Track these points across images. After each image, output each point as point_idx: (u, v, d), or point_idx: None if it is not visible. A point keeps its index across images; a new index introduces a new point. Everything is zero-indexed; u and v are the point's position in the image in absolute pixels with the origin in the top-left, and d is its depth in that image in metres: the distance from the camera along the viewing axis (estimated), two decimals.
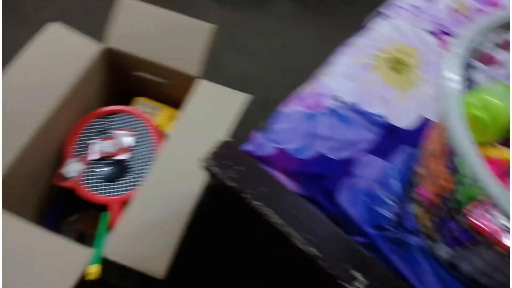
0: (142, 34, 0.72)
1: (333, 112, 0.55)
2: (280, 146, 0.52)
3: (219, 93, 0.69)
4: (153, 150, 0.71)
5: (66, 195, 0.69)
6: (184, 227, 0.55)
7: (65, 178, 0.68)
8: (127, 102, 0.81)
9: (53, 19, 1.16)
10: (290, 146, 0.52)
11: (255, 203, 0.45)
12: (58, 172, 0.68)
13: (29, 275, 0.51)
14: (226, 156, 0.48)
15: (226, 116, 0.65)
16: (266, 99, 1.10)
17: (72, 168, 0.69)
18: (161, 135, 0.73)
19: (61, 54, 0.69)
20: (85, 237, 0.78)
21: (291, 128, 0.54)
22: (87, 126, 0.73)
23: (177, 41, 0.71)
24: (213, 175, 0.49)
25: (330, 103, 0.56)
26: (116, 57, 0.73)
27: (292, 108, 0.56)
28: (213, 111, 0.66)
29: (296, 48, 1.21)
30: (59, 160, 0.71)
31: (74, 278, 0.50)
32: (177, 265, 0.54)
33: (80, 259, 0.52)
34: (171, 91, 0.78)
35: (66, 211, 0.76)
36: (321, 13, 1.29)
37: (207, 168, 0.49)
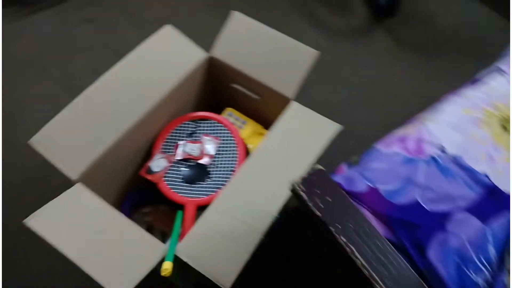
0: (247, 49, 0.75)
1: (434, 161, 0.53)
2: (373, 185, 0.51)
3: (311, 118, 0.69)
4: (234, 161, 0.74)
5: (145, 186, 0.73)
6: (257, 244, 0.56)
7: (150, 171, 0.72)
8: (216, 110, 0.85)
9: (160, 18, 1.26)
10: (385, 187, 0.51)
11: (339, 238, 0.45)
12: (146, 164, 0.73)
13: (105, 257, 0.54)
14: (316, 183, 0.48)
15: (315, 143, 0.66)
16: (348, 131, 1.10)
17: (158, 164, 0.73)
18: (245, 148, 0.75)
19: (169, 56, 0.74)
20: (153, 230, 0.82)
21: (388, 169, 0.53)
22: (179, 126, 0.78)
23: (279, 61, 0.73)
24: (299, 200, 0.49)
25: (432, 151, 0.54)
26: (217, 66, 0.77)
27: (392, 149, 0.56)
28: (302, 136, 0.67)
29: (388, 84, 1.19)
30: (148, 153, 0.76)
31: (146, 269, 0.53)
32: (239, 279, 0.55)
33: (154, 252, 0.55)
34: (261, 108, 0.80)
35: (141, 201, 0.81)
36: (420, 53, 1.27)
37: (294, 191, 0.50)
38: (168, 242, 0.64)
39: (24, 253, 0.90)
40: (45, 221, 0.55)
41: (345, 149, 1.07)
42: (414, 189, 0.51)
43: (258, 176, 0.63)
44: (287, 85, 0.72)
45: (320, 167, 0.49)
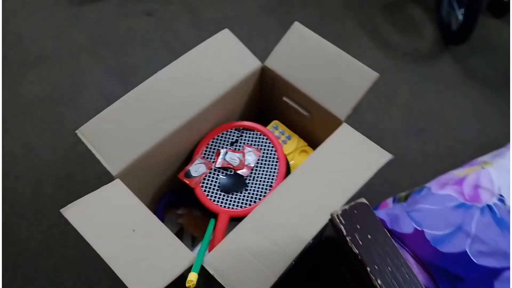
0: (303, 63, 0.74)
1: (490, 210, 0.50)
2: (420, 228, 0.49)
3: (362, 144, 0.68)
4: (274, 176, 0.73)
5: (182, 188, 0.74)
6: (287, 268, 0.55)
7: (189, 175, 0.73)
8: (263, 121, 0.85)
9: (220, 19, 1.29)
10: (432, 232, 0.49)
11: (375, 280, 0.43)
12: (186, 168, 0.74)
13: (134, 257, 0.55)
14: (357, 217, 0.47)
15: (362, 171, 0.64)
16: (398, 160, 1.06)
17: (197, 169, 0.74)
18: (286, 164, 0.75)
19: (223, 61, 0.74)
20: (184, 233, 0.84)
21: (438, 213, 0.50)
22: (222, 134, 0.78)
23: (335, 79, 0.72)
24: (337, 232, 0.48)
25: (490, 199, 0.51)
26: (270, 77, 0.77)
27: (445, 191, 0.53)
28: (349, 161, 0.65)
29: (449, 116, 1.15)
30: (190, 157, 0.77)
31: (171, 276, 0.53)
32: None
33: (182, 260, 0.55)
34: (309, 125, 0.79)
35: (177, 202, 0.83)
36: (489, 86, 1.22)
37: (333, 223, 0.49)
38: (196, 250, 0.65)
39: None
40: (81, 213, 0.57)
41: (393, 179, 1.05)
42: (464, 238, 0.48)
43: (296, 197, 0.62)
44: (341, 106, 0.71)
45: (363, 200, 0.48)
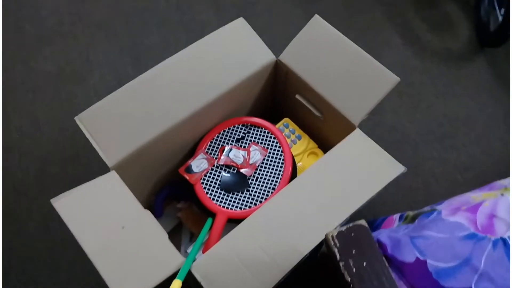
0: (320, 61, 0.70)
1: (504, 244, 0.46)
2: (423, 258, 0.46)
3: (374, 153, 0.64)
4: (278, 178, 0.71)
5: (183, 181, 0.73)
6: (278, 282, 0.53)
7: (189, 170, 0.71)
8: (273, 118, 0.82)
9: (241, 4, 1.25)
10: (435, 263, 0.45)
11: None
12: (187, 162, 0.72)
13: (120, 256, 0.54)
14: (354, 242, 0.44)
15: (371, 183, 0.61)
16: (415, 167, 1.02)
17: (199, 164, 0.72)
18: (292, 166, 0.72)
19: (235, 52, 0.71)
20: (182, 227, 0.82)
21: (445, 243, 0.47)
22: (228, 129, 0.76)
23: (352, 81, 0.68)
24: (330, 254, 0.45)
25: (505, 231, 0.47)
26: (283, 72, 0.74)
27: (456, 218, 0.49)
28: (359, 171, 0.62)
29: (475, 124, 1.09)
30: (192, 151, 0.75)
31: (155, 281, 0.52)
32: None
33: (170, 263, 0.54)
34: (321, 127, 0.76)
35: (177, 195, 0.82)
36: None
37: (328, 244, 0.46)
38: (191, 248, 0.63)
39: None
40: (71, 205, 0.56)
41: (408, 187, 1.00)
42: (470, 273, 0.45)
43: (298, 205, 0.59)
44: (355, 109, 0.67)
45: (363, 223, 0.45)
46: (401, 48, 1.20)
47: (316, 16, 0.71)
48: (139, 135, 0.64)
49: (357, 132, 0.65)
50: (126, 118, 0.64)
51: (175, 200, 0.83)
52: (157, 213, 0.80)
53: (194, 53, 0.70)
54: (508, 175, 1.00)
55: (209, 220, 0.69)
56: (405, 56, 1.19)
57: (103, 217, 0.56)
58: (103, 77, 1.11)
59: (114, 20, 1.21)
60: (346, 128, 0.67)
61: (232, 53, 0.71)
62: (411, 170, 1.01)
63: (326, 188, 0.61)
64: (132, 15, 1.22)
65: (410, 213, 0.56)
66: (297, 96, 0.75)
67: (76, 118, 0.62)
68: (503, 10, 1.11)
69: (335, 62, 0.69)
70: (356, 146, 0.65)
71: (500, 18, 1.11)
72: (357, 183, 0.61)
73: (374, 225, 0.68)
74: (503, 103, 1.13)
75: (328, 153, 0.63)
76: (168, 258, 0.54)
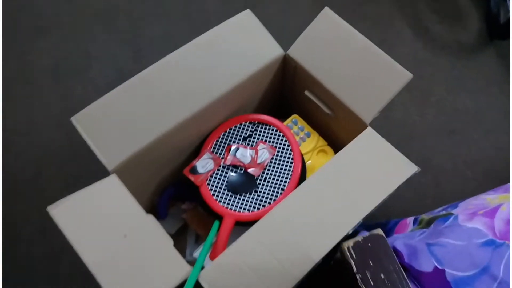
0: (331, 56, 0.68)
1: None
2: (441, 267, 0.45)
3: (386, 153, 0.62)
4: (287, 178, 0.69)
5: (188, 181, 0.71)
6: None
7: (195, 171, 0.69)
8: (281, 114, 0.80)
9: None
10: (454, 272, 0.44)
11: None
12: (192, 162, 0.70)
13: (122, 268, 0.52)
14: (371, 252, 0.43)
15: (384, 184, 0.59)
16: (426, 162, 1.01)
17: (204, 164, 0.70)
18: (301, 165, 0.70)
19: (242, 46, 0.69)
20: (188, 229, 0.81)
21: (463, 250, 0.45)
22: (235, 127, 0.74)
23: (364, 77, 0.66)
24: (346, 267, 0.44)
25: None
26: (292, 68, 0.71)
27: (473, 223, 0.48)
28: (371, 171, 0.60)
29: (486, 118, 1.08)
30: (197, 150, 0.73)
31: None
32: None
33: (175, 273, 0.52)
34: (331, 124, 0.74)
35: (181, 196, 0.80)
36: None
37: (344, 257, 0.44)
38: (198, 251, 0.61)
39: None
40: (68, 213, 0.53)
41: (417, 184, 0.99)
42: (489, 282, 0.44)
43: (309, 208, 0.57)
44: (367, 107, 0.64)
45: (379, 232, 0.43)
46: (411, 40, 1.18)
47: (326, 8, 0.69)
48: (140, 136, 0.61)
49: (369, 130, 0.63)
50: (126, 117, 0.61)
51: (180, 201, 0.81)
52: (161, 215, 0.79)
53: (198, 47, 0.67)
54: None
55: (216, 223, 0.67)
56: (415, 48, 1.16)
57: (104, 225, 0.54)
58: (102, 71, 1.08)
59: (114, 10, 1.18)
60: (357, 126, 0.65)
61: (238, 47, 0.68)
62: (421, 165, 0.98)
63: (338, 190, 0.58)
64: (133, 5, 1.19)
65: (425, 217, 0.54)
66: (306, 92, 0.72)
67: (73, 119, 0.59)
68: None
69: (346, 57, 0.66)
70: (368, 145, 0.62)
71: (511, 10, 1.09)
72: (370, 184, 0.59)
73: (387, 228, 0.67)
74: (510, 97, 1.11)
75: (339, 153, 0.61)
76: (174, 268, 0.52)
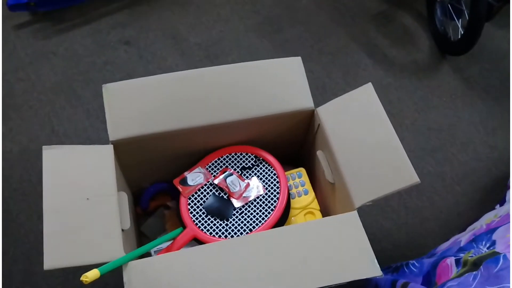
0: (353, 130, 0.68)
1: None
2: None
3: (359, 246, 0.59)
4: (261, 222, 0.69)
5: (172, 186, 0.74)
6: None
7: (184, 183, 0.72)
8: (290, 159, 0.81)
9: (207, 42, 1.19)
10: None
11: None
12: (183, 174, 0.73)
13: (68, 225, 0.55)
14: None
15: (343, 271, 0.56)
16: (416, 186, 1.01)
17: (195, 177, 0.73)
18: (279, 217, 0.69)
19: (279, 85, 0.71)
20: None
21: None
22: (241, 153, 0.76)
23: (374, 164, 0.65)
24: None
25: None
26: (316, 124, 0.73)
27: None
28: (338, 254, 0.58)
29: (457, 131, 1.13)
30: (193, 162, 0.75)
31: (87, 261, 0.52)
32: None
33: (106, 252, 0.54)
34: (328, 192, 0.73)
35: (172, 194, 0.81)
36: (488, 94, 1.20)
37: None
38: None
39: None
40: (57, 158, 0.58)
41: (414, 207, 1.00)
42: None
43: (258, 258, 0.56)
44: (362, 192, 0.63)
45: None
46: (372, 68, 1.23)
47: (370, 84, 0.71)
48: (153, 123, 0.65)
49: (353, 215, 0.62)
50: (148, 103, 0.66)
51: (169, 196, 0.83)
52: (142, 203, 0.80)
53: (238, 71, 0.71)
54: (501, 177, 1.05)
55: (179, 230, 0.69)
56: (378, 76, 1.21)
57: (77, 181, 0.58)
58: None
59: (73, 80, 1.12)
60: (348, 204, 0.64)
61: (273, 85, 0.70)
62: (414, 190, 1.02)
63: (295, 253, 0.57)
64: (92, 72, 1.14)
65: (469, 259, 0.54)
66: (319, 153, 0.73)
67: (104, 86, 0.65)
68: (460, 21, 1.18)
69: (366, 137, 0.67)
70: (346, 228, 0.61)
71: (459, 27, 1.18)
72: (329, 263, 0.57)
73: (424, 271, 0.66)
74: (475, 106, 1.19)
75: (319, 220, 0.64)
76: (108, 247, 0.55)
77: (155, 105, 0.66)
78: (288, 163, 0.82)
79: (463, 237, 0.74)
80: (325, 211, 0.75)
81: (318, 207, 0.75)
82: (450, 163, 1.08)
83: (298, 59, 0.73)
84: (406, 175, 0.63)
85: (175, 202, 0.80)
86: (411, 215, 1.00)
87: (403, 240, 0.96)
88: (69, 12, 1.23)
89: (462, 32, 1.15)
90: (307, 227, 0.61)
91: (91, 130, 1.04)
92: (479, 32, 1.09)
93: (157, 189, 0.80)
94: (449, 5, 1.21)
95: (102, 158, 0.61)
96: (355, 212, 0.62)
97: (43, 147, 0.58)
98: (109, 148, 0.62)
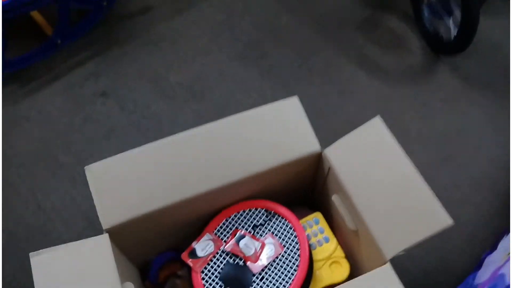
0: (368, 172, 0.63)
1: None
2: None
3: None
4: (286, 285, 0.62)
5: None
6: None
7: (194, 255, 0.66)
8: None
9: (190, 81, 1.12)
10: None
11: None
12: (191, 245, 0.67)
13: None
14: None
15: None
16: None
17: (204, 247, 0.67)
18: (306, 274, 0.63)
19: (279, 132, 0.66)
20: None
21: None
22: (250, 210, 0.70)
23: (399, 209, 0.60)
24: None
25: None
26: (325, 167, 0.68)
27: None
28: None
29: (466, 135, 1.09)
30: (199, 227, 0.70)
31: None
32: None
33: None
34: (352, 238, 0.67)
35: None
36: (490, 89, 1.15)
37: None
38: None
39: None
40: (47, 264, 0.54)
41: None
42: None
43: None
44: (391, 241, 0.58)
45: None
46: (367, 82, 1.18)
47: (378, 118, 0.66)
48: (147, 201, 0.60)
49: (387, 268, 0.57)
50: (139, 179, 0.61)
51: (179, 263, 0.75)
52: (151, 278, 0.74)
53: (231, 125, 0.66)
54: None
55: None
56: (373, 88, 1.17)
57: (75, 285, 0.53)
58: (67, 224, 0.93)
59: (52, 146, 1.05)
60: (376, 253, 0.59)
61: (274, 134, 0.66)
62: None
63: None
64: (71, 133, 1.07)
65: None
66: (334, 198, 0.68)
67: (86, 168, 0.61)
68: (452, 19, 1.13)
69: (384, 178, 0.62)
70: (381, 283, 0.56)
71: (451, 26, 1.13)
72: None
73: None
74: (481, 105, 1.14)
75: (353, 282, 0.57)
76: None
77: (148, 179, 0.61)
78: (300, 203, 0.77)
79: (505, 269, 0.69)
80: (350, 258, 0.69)
81: (342, 254, 0.69)
82: (466, 170, 1.03)
83: (295, 99, 0.69)
84: (438, 218, 0.59)
85: (186, 270, 0.74)
86: (435, 236, 0.94)
87: (432, 264, 0.91)
88: (36, 69, 1.16)
89: (455, 31, 1.11)
90: None
91: (80, 200, 0.97)
92: (475, 28, 1.05)
93: (165, 260, 0.74)
94: (436, 3, 1.16)
95: (99, 251, 0.56)
96: (388, 265, 0.56)
97: (30, 254, 0.53)
98: (105, 238, 0.57)
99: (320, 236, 0.71)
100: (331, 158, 0.65)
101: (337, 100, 1.13)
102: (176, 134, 0.64)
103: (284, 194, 0.73)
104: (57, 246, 0.55)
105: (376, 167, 0.63)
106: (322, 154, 0.66)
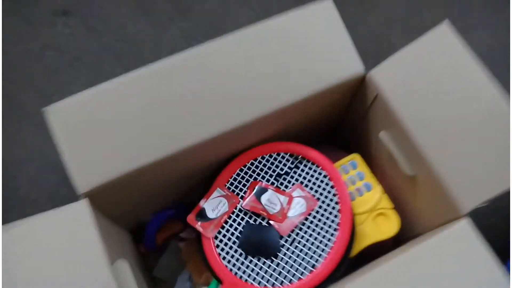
0: (434, 97, 0.48)
1: None
2: None
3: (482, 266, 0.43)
4: (325, 249, 0.50)
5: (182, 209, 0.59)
6: None
7: (203, 217, 0.53)
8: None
9: None
10: None
11: None
12: (198, 205, 0.54)
13: None
14: None
15: None
16: None
17: (216, 205, 0.54)
18: (350, 233, 0.51)
19: (309, 52, 0.49)
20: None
21: None
22: (270, 156, 0.57)
23: (479, 145, 0.46)
24: None
25: None
26: (369, 95, 0.53)
27: None
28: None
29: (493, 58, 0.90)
30: (206, 178, 0.56)
31: None
32: None
33: None
34: (405, 185, 0.55)
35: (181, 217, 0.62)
36: None
37: None
38: None
39: None
40: (17, 242, 0.40)
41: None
42: None
43: None
44: (468, 189, 0.45)
45: None
46: None
47: (445, 24, 0.50)
48: (135, 152, 0.45)
49: (465, 225, 0.44)
50: (121, 123, 0.46)
51: (180, 222, 0.65)
52: (147, 244, 0.64)
53: (243, 42, 0.49)
54: None
55: (214, 283, 0.55)
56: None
57: (52, 266, 0.40)
58: (34, 180, 0.77)
59: (6, 82, 0.85)
60: (444, 205, 0.47)
61: (301, 52, 0.49)
62: None
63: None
64: (29, 64, 0.86)
65: None
66: (382, 135, 0.53)
67: (46, 110, 0.45)
68: None
69: (458, 110, 0.47)
70: (461, 247, 0.44)
71: None
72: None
73: None
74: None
75: (419, 246, 0.44)
76: None
77: (133, 122, 0.46)
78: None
79: None
80: (399, 211, 0.56)
81: (390, 204, 0.56)
82: None
83: (329, 3, 0.52)
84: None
85: (190, 230, 0.64)
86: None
87: None
88: None
89: None
90: (413, 260, 0.43)
91: (49, 149, 0.78)
92: None
93: (163, 219, 0.62)
94: None
95: (78, 221, 0.42)
96: (467, 220, 0.44)
97: (2, 228, 0.42)
98: (84, 204, 0.43)
99: (359, 183, 0.58)
100: (379, 83, 0.50)
101: (357, 9, 0.93)
102: (162, 60, 0.47)
103: (309, 134, 0.59)
104: (28, 219, 0.42)
105: (446, 95, 0.48)
106: (366, 78, 0.51)
